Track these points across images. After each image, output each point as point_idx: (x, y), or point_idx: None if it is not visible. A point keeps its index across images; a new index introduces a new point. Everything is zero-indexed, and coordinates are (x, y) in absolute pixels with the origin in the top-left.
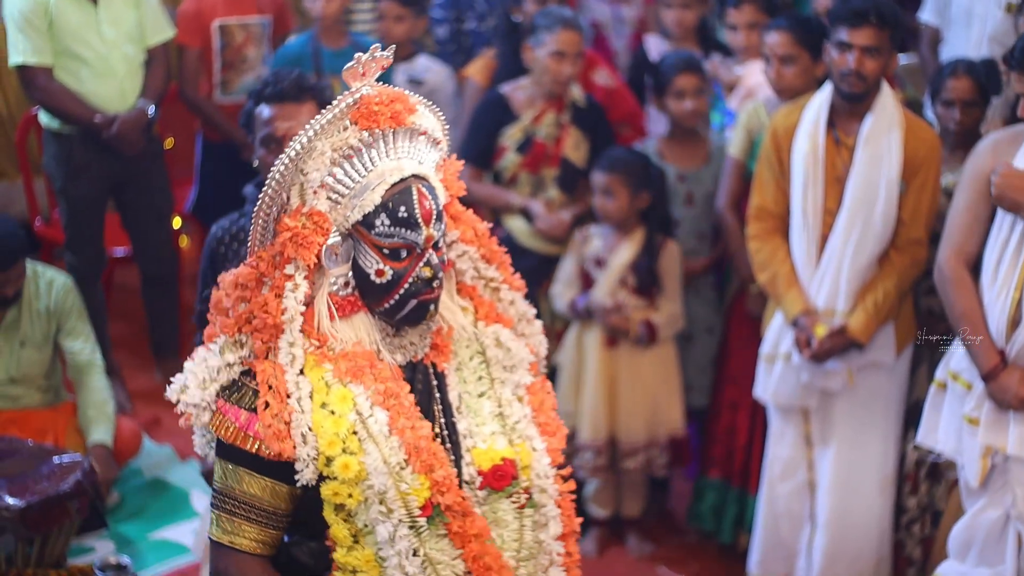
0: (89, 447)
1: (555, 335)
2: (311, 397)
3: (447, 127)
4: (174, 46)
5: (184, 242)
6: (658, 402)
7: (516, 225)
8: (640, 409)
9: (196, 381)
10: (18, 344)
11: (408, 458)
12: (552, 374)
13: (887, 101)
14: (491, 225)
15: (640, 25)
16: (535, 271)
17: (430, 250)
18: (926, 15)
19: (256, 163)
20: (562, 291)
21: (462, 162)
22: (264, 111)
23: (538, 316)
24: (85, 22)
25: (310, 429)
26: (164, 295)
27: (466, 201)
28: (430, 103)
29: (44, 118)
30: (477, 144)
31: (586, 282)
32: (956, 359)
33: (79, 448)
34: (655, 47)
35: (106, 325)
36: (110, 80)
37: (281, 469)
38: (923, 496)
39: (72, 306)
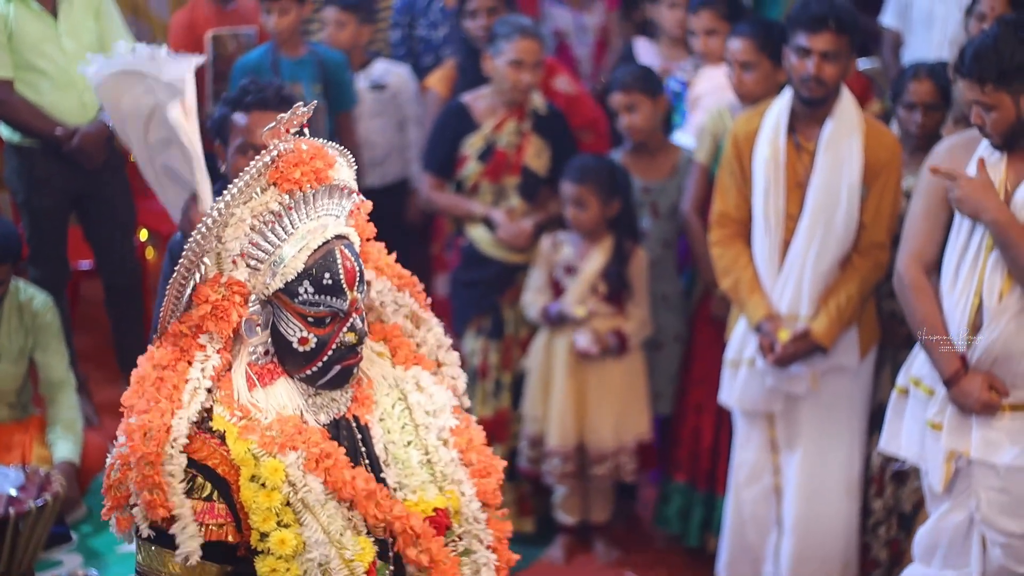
0: (55, 464)
1: (520, 343)
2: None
3: (404, 128)
4: None
5: (150, 254)
6: (626, 408)
7: (478, 234)
8: (608, 415)
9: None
10: None
11: (352, 509)
12: (520, 380)
13: (847, 106)
14: (396, 255)
15: (602, 33)
16: (497, 280)
17: (354, 314)
18: (887, 19)
19: (224, 168)
20: (533, 299)
21: (371, 206)
22: (244, 118)
23: (502, 324)
24: (45, 35)
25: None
26: (129, 307)
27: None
28: (346, 151)
29: (5, 131)
30: (439, 154)
31: (556, 290)
32: (917, 365)
33: (45, 462)
34: (644, 51)
35: (71, 338)
36: (70, 93)
37: (210, 549)
38: (889, 498)
39: (51, 323)
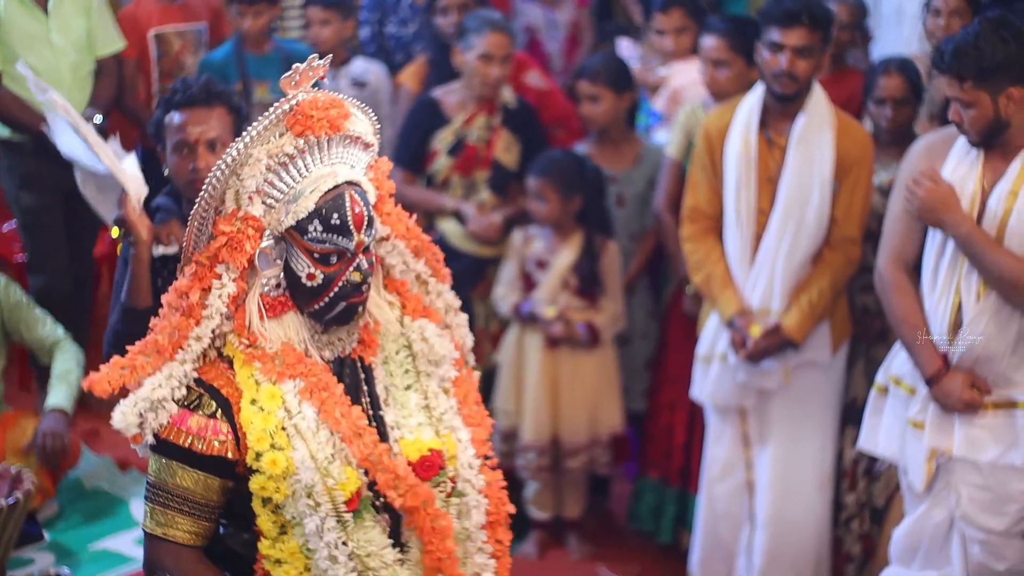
0: (45, 410)
1: (491, 337)
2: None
3: (381, 126)
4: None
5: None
6: (599, 401)
7: (449, 228)
8: (582, 409)
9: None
10: None
11: (342, 441)
12: (491, 374)
13: (819, 101)
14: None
15: (573, 29)
16: (468, 273)
17: (360, 255)
18: None
19: (167, 172)
20: (505, 294)
21: (391, 165)
22: (175, 117)
23: (472, 317)
24: (35, 30)
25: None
26: (79, 300)
27: (399, 205)
28: (365, 106)
29: None
30: (409, 148)
31: (528, 284)
32: (897, 363)
33: (18, 459)
34: (627, 51)
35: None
36: (58, 89)
37: (212, 463)
38: (861, 493)
39: (18, 300)
